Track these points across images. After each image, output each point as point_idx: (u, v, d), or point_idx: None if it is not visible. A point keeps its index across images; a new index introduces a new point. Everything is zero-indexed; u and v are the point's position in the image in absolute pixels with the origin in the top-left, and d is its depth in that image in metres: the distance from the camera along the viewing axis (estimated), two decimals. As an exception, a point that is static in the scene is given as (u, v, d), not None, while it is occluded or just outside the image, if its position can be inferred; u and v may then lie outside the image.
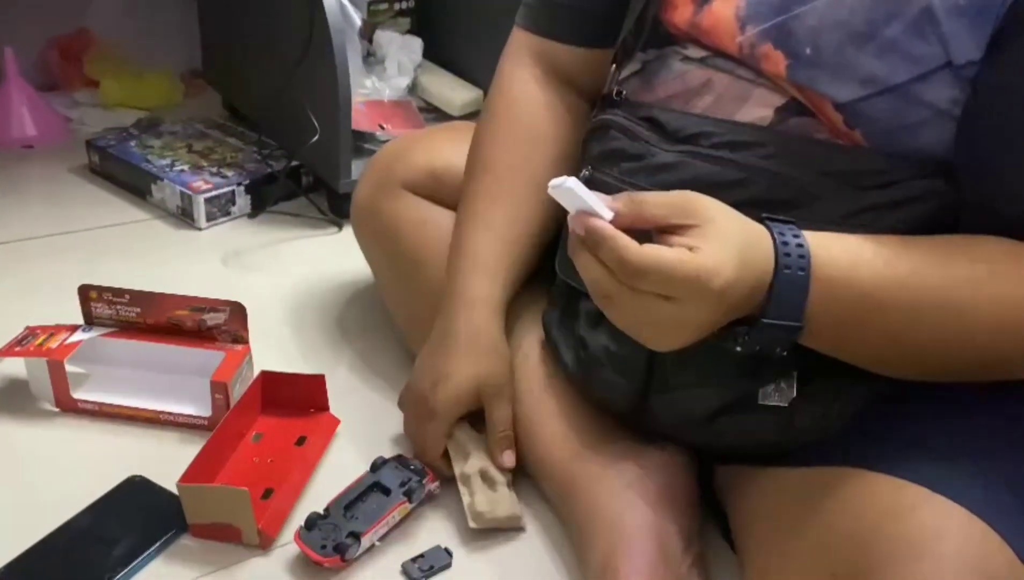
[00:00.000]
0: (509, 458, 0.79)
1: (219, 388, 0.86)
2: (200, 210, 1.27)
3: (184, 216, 1.29)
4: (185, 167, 1.33)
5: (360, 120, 1.33)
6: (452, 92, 1.46)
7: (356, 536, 0.73)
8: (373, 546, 0.75)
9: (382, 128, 1.36)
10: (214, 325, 0.91)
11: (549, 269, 0.84)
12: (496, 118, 0.85)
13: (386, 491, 0.78)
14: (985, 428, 0.65)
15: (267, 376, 0.88)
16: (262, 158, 1.36)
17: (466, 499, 0.78)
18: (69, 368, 0.88)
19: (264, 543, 0.75)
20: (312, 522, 0.74)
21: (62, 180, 1.39)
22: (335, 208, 1.32)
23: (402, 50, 1.47)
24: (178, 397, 0.89)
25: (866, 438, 0.66)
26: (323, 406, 0.89)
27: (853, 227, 0.63)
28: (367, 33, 1.48)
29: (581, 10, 0.81)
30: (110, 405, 0.89)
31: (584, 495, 0.74)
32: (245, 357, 0.90)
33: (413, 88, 1.48)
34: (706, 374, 0.67)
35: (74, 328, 0.92)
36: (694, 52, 0.71)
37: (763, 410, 0.67)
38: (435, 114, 1.47)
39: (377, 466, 0.80)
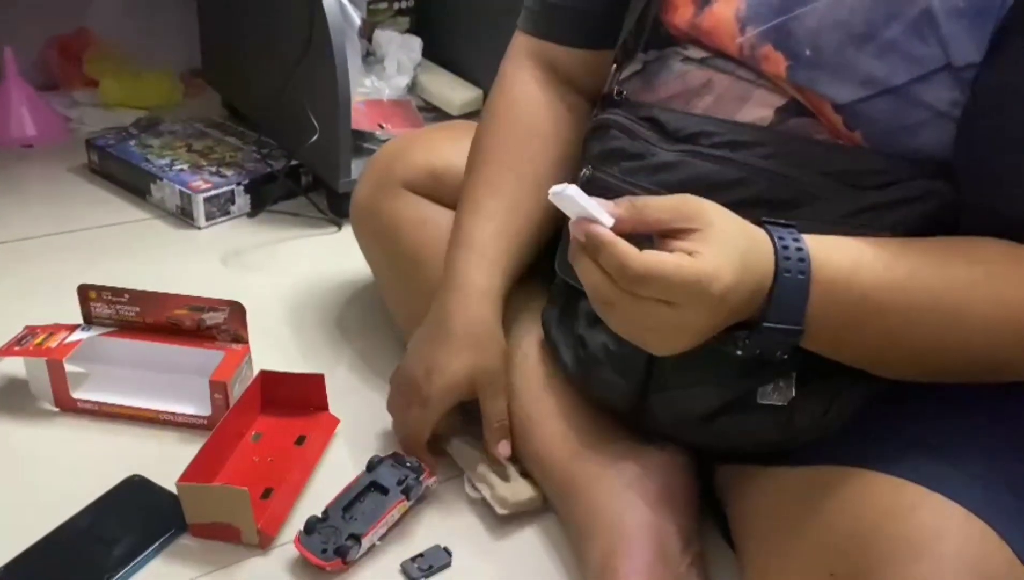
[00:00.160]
0: (504, 447, 0.79)
1: (218, 388, 0.86)
2: (199, 209, 1.27)
3: (183, 215, 1.29)
4: (184, 166, 1.33)
5: (360, 119, 1.33)
6: (451, 91, 1.46)
7: (356, 538, 0.73)
8: (374, 546, 0.75)
9: (381, 127, 1.36)
10: (213, 324, 0.91)
11: (548, 268, 0.84)
12: (497, 117, 0.85)
13: (383, 490, 0.78)
14: (984, 428, 0.65)
15: (266, 376, 0.88)
16: (261, 157, 1.36)
17: (487, 492, 0.79)
18: (68, 368, 0.88)
19: (263, 543, 0.75)
20: (311, 526, 0.74)
21: (61, 180, 1.39)
22: (335, 207, 1.32)
23: (401, 49, 1.47)
24: (177, 397, 0.89)
25: (865, 438, 0.66)
26: (323, 406, 0.89)
27: (853, 227, 0.63)
28: (366, 32, 1.48)
29: (581, 12, 0.81)
30: (109, 405, 0.89)
31: (583, 495, 0.74)
32: (244, 357, 0.90)
33: (412, 87, 1.48)
34: (705, 373, 0.67)
35: (73, 327, 0.92)
36: (695, 53, 0.71)
37: (762, 410, 0.67)
38: (434, 113, 1.47)
39: (373, 465, 0.80)
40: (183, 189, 1.27)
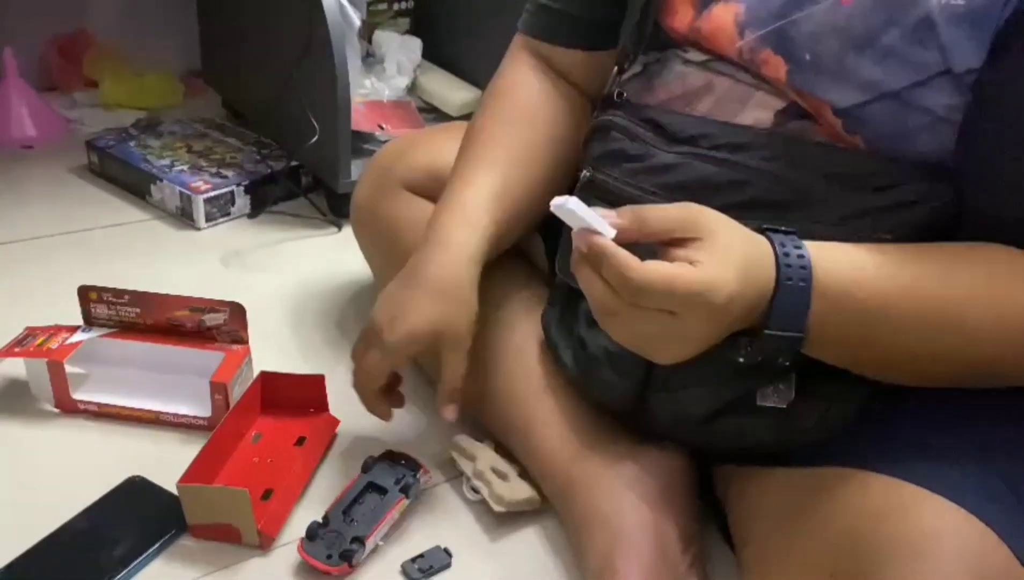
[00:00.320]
0: (451, 412, 0.76)
1: (219, 389, 0.86)
2: (199, 210, 1.27)
3: (184, 216, 1.29)
4: (185, 167, 1.33)
5: (359, 120, 1.33)
6: (451, 92, 1.46)
7: (360, 540, 0.73)
8: (377, 547, 0.75)
9: (381, 128, 1.36)
10: (214, 325, 0.92)
11: (548, 268, 0.84)
12: (493, 98, 0.85)
13: (382, 491, 0.78)
14: (983, 428, 0.65)
15: (267, 376, 0.89)
16: (261, 158, 1.37)
17: (485, 490, 0.79)
18: (69, 369, 0.88)
19: (264, 543, 0.75)
20: (313, 532, 0.74)
21: (62, 180, 1.39)
22: (335, 208, 1.32)
23: (401, 50, 1.47)
24: (178, 398, 0.89)
25: (865, 438, 0.66)
26: (323, 406, 0.89)
27: (853, 229, 0.63)
28: (366, 33, 1.48)
29: (580, 14, 0.81)
30: (110, 406, 0.89)
31: (583, 495, 0.74)
32: (245, 357, 0.90)
33: (412, 88, 1.49)
34: (705, 375, 0.68)
35: (74, 329, 0.92)
36: (695, 56, 0.71)
37: (762, 411, 0.67)
38: (434, 114, 1.47)
39: (368, 466, 0.80)
40: (183, 190, 1.27)
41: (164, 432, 0.88)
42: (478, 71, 1.44)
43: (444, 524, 0.80)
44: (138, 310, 0.92)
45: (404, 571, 0.74)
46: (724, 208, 0.61)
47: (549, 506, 0.80)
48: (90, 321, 0.94)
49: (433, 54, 1.52)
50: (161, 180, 1.30)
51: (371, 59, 1.49)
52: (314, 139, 1.24)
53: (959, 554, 0.55)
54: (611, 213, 0.57)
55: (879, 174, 0.64)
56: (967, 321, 0.60)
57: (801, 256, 0.58)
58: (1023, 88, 0.59)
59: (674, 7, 0.71)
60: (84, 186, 1.37)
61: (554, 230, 0.82)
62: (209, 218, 1.28)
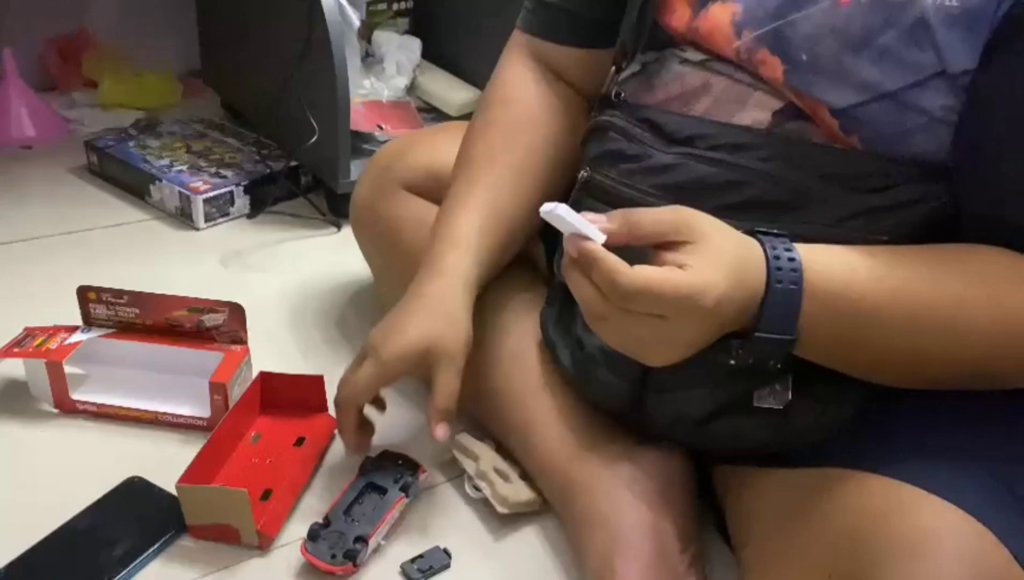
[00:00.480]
0: (442, 430, 0.75)
1: (218, 389, 0.86)
2: (199, 211, 1.27)
3: (183, 217, 1.29)
4: (184, 167, 1.33)
5: (359, 120, 1.33)
6: (451, 92, 1.46)
7: (363, 539, 0.73)
8: (379, 546, 0.75)
9: (381, 128, 1.36)
10: (213, 326, 0.92)
11: (547, 269, 0.84)
12: (490, 107, 0.85)
13: (381, 490, 0.78)
14: (980, 429, 0.65)
15: (266, 377, 0.89)
16: (261, 158, 1.37)
17: (488, 490, 0.79)
18: (68, 369, 0.88)
19: (263, 544, 0.75)
20: (315, 533, 0.74)
21: (61, 180, 1.39)
22: (334, 208, 1.32)
23: (401, 50, 1.47)
24: (177, 398, 0.89)
25: (863, 439, 0.66)
26: (322, 407, 0.89)
27: (850, 230, 0.63)
28: (366, 33, 1.48)
29: (579, 12, 0.81)
30: (109, 406, 0.89)
31: (582, 495, 0.74)
32: (244, 358, 0.90)
33: (412, 88, 1.49)
34: (702, 376, 0.68)
35: (73, 329, 0.92)
36: (693, 55, 0.71)
37: (759, 412, 0.67)
38: (434, 114, 1.47)
39: (367, 468, 0.80)
40: (182, 190, 1.27)
41: (163, 432, 0.88)
42: (477, 71, 1.44)
43: (444, 524, 0.80)
44: (137, 310, 0.92)
45: (404, 572, 0.74)
46: (721, 209, 0.61)
47: (549, 506, 0.81)
48: (89, 321, 0.94)
49: (432, 54, 1.52)
50: (160, 180, 1.30)
51: (370, 59, 1.49)
52: (313, 139, 1.24)
53: (958, 554, 0.55)
54: (601, 217, 0.58)
55: (876, 175, 0.64)
56: (960, 323, 0.60)
57: (792, 259, 0.59)
58: (1016, 89, 0.59)
59: (672, 6, 0.71)
60: (83, 186, 1.37)
61: (554, 231, 0.82)
62: (208, 218, 1.28)
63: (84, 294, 0.92)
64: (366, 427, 0.82)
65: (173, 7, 1.67)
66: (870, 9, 0.62)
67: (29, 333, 0.91)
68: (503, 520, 0.80)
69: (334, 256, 1.23)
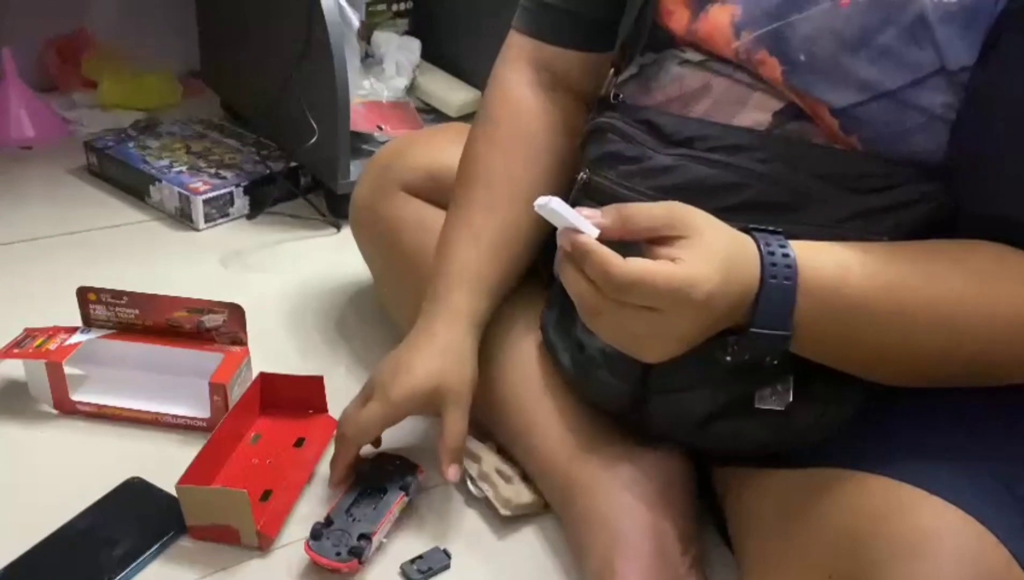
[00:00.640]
0: (453, 472, 0.77)
1: (218, 390, 0.86)
2: (198, 211, 1.27)
3: (182, 217, 1.29)
4: (183, 168, 1.33)
5: (358, 121, 1.33)
6: (450, 93, 1.46)
7: (367, 537, 0.73)
8: (382, 544, 0.75)
9: (380, 129, 1.36)
10: (213, 327, 0.92)
11: (547, 271, 0.84)
12: (490, 124, 0.84)
13: (382, 490, 0.78)
14: (980, 429, 0.65)
15: (266, 377, 0.89)
16: (260, 159, 1.37)
17: (490, 492, 0.80)
18: (68, 370, 0.88)
19: (263, 544, 0.75)
20: (318, 532, 0.74)
21: (60, 181, 1.39)
22: (334, 209, 1.32)
23: (400, 51, 1.48)
24: (177, 399, 0.89)
25: (863, 439, 0.66)
26: (322, 407, 0.89)
27: (850, 230, 0.63)
28: (365, 34, 1.48)
29: (578, 13, 0.81)
30: (109, 407, 0.89)
31: (582, 496, 0.74)
32: (244, 359, 0.90)
33: (411, 89, 1.49)
34: (702, 377, 0.68)
35: (73, 330, 0.92)
36: (692, 56, 0.71)
37: (760, 413, 0.67)
38: (433, 115, 1.47)
39: (364, 470, 0.80)
40: (182, 191, 1.27)
41: (163, 433, 0.88)
42: (477, 72, 1.44)
43: (443, 525, 0.80)
44: (137, 311, 0.92)
45: (403, 572, 0.74)
46: (721, 211, 0.61)
47: (550, 507, 0.81)
48: (89, 322, 0.94)
49: (432, 55, 1.52)
50: (160, 181, 1.30)
51: (370, 60, 1.49)
52: (313, 140, 1.24)
53: (958, 555, 0.55)
54: (595, 212, 0.58)
55: (876, 175, 0.64)
56: (957, 317, 0.60)
57: (786, 254, 0.59)
58: (1013, 85, 0.59)
59: (670, 9, 0.71)
60: (83, 187, 1.37)
61: (553, 234, 0.82)
62: (208, 219, 1.28)
63: (84, 295, 0.92)
64: (356, 463, 0.81)
65: (173, 7, 1.67)
66: (869, 9, 0.62)
67: (29, 334, 0.91)
68: (503, 521, 0.80)
69: (334, 257, 1.23)
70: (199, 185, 1.28)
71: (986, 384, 0.64)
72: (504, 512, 0.79)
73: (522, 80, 0.84)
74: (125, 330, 0.93)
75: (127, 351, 0.92)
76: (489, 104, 0.85)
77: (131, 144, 1.39)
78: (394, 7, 1.55)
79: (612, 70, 0.77)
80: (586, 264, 0.56)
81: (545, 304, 0.83)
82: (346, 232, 1.22)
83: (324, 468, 0.85)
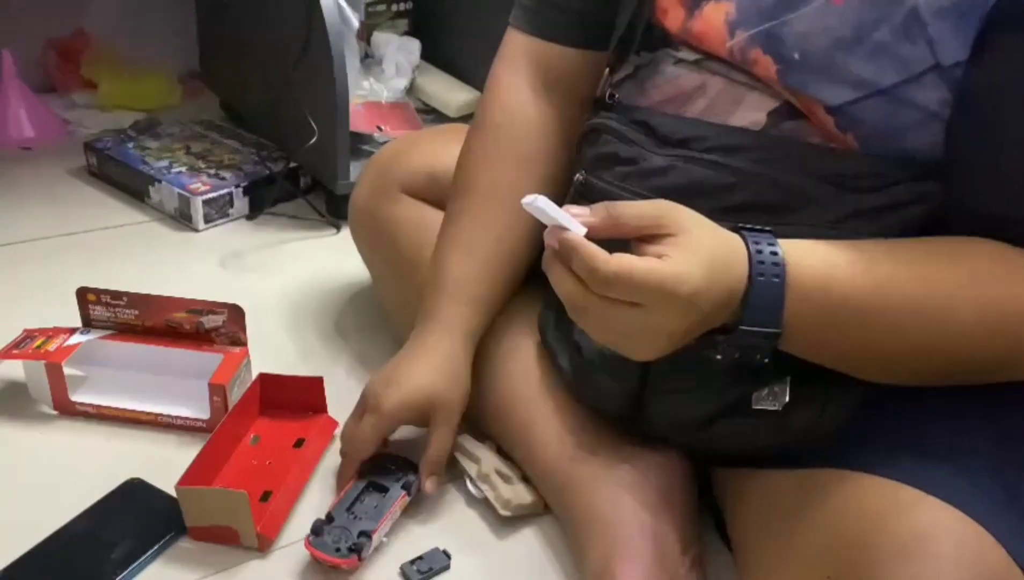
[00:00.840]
0: (431, 485, 0.78)
1: (217, 390, 0.86)
2: (198, 212, 1.27)
3: (182, 218, 1.29)
4: (183, 169, 1.33)
5: (358, 122, 1.33)
6: (450, 93, 1.46)
7: (367, 534, 0.73)
8: (381, 543, 0.75)
9: (380, 129, 1.36)
10: (212, 327, 0.92)
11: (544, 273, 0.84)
12: (487, 130, 0.84)
13: (383, 489, 0.78)
14: (979, 430, 0.66)
15: (265, 378, 0.89)
16: (260, 160, 1.37)
17: (491, 493, 0.80)
18: (67, 371, 0.88)
19: (262, 545, 0.75)
20: (319, 528, 0.74)
21: (60, 182, 1.39)
22: (333, 210, 1.32)
23: (400, 51, 1.48)
24: (176, 399, 0.89)
25: (861, 440, 0.66)
26: (321, 408, 0.89)
27: (846, 231, 0.63)
28: (365, 34, 1.48)
29: (576, 11, 0.81)
30: (108, 408, 0.89)
31: (582, 497, 0.75)
32: (243, 359, 0.90)
33: (411, 89, 1.49)
34: (700, 379, 0.68)
35: (72, 330, 0.92)
36: (687, 55, 0.71)
37: (757, 414, 0.67)
38: (433, 115, 1.47)
39: (364, 471, 0.80)
40: (182, 191, 1.27)
41: (163, 434, 0.88)
42: (477, 72, 1.44)
43: (443, 525, 0.80)
44: (136, 312, 0.92)
45: (403, 573, 0.75)
46: (717, 211, 0.62)
47: (548, 508, 0.81)
48: (89, 323, 0.94)
49: (431, 55, 1.52)
50: (159, 182, 1.30)
51: (369, 60, 1.49)
52: (313, 140, 1.24)
53: (955, 555, 0.55)
54: (584, 210, 0.58)
55: (872, 175, 0.64)
56: (949, 314, 0.60)
57: (774, 252, 0.59)
58: (1007, 80, 0.59)
59: (665, 7, 0.71)
60: (82, 188, 1.37)
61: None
62: (208, 220, 1.28)
63: (83, 296, 0.92)
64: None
65: (172, 8, 1.67)
66: (863, 6, 0.62)
67: (28, 335, 0.91)
68: (503, 522, 0.80)
69: (333, 257, 1.23)
70: (199, 186, 1.29)
71: (980, 382, 0.64)
72: (504, 513, 0.79)
73: (519, 82, 0.84)
74: (125, 331, 0.93)
75: (127, 352, 0.92)
76: (486, 110, 0.85)
77: (131, 145, 1.39)
78: (394, 7, 1.55)
79: (608, 70, 0.77)
80: (573, 261, 0.56)
81: (543, 305, 0.83)
82: (345, 233, 1.22)
83: (324, 469, 0.85)
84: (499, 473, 0.81)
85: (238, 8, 1.44)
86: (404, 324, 0.95)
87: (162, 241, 1.25)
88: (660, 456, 0.76)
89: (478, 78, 1.44)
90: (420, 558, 0.75)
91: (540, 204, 0.56)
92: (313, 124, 1.24)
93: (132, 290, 0.92)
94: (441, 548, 0.77)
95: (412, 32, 1.55)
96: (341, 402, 0.90)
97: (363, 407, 0.79)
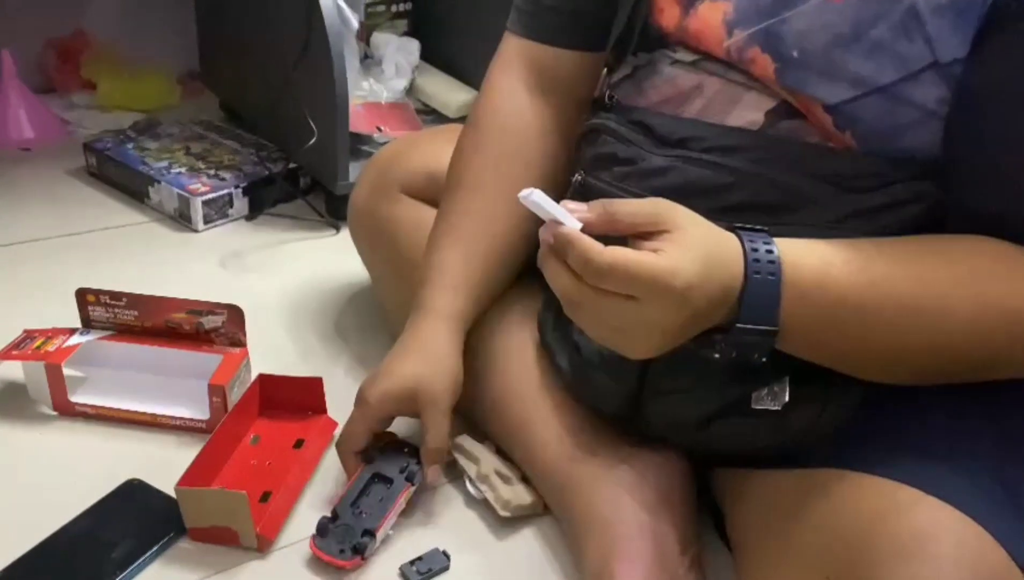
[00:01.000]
0: (433, 474, 0.78)
1: (217, 391, 0.86)
2: (198, 212, 1.27)
3: (182, 219, 1.29)
4: (183, 169, 1.33)
5: (358, 122, 1.33)
6: (449, 94, 1.46)
7: (371, 533, 0.74)
8: (388, 536, 0.76)
9: (379, 130, 1.36)
10: (212, 328, 0.92)
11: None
12: (480, 128, 0.84)
13: (387, 480, 0.78)
14: (978, 429, 0.66)
15: (265, 379, 0.89)
16: (260, 160, 1.37)
17: (490, 494, 0.80)
18: (67, 371, 0.88)
19: (262, 546, 0.75)
20: (324, 528, 0.74)
21: (59, 182, 1.39)
22: (333, 210, 1.32)
23: (399, 52, 1.48)
24: (176, 400, 0.89)
25: (860, 440, 0.66)
26: (321, 408, 0.89)
27: (844, 230, 0.63)
28: (364, 35, 1.48)
29: (572, 13, 0.81)
30: (108, 408, 0.89)
31: (581, 497, 0.75)
32: (243, 360, 0.90)
33: (410, 90, 1.49)
34: (699, 379, 0.68)
35: (72, 331, 0.92)
36: (684, 55, 0.71)
37: (757, 414, 0.67)
38: (432, 116, 1.47)
39: (372, 457, 0.80)
40: (181, 192, 1.27)
41: (162, 435, 0.88)
42: (476, 72, 1.42)
43: (443, 526, 0.80)
44: (136, 313, 0.92)
45: (403, 573, 0.75)
46: (716, 211, 0.62)
47: (548, 509, 0.81)
48: (88, 324, 0.94)
49: (431, 56, 1.52)
50: (159, 182, 1.30)
51: (369, 61, 1.49)
52: (312, 141, 1.24)
53: (955, 555, 0.55)
54: (581, 206, 0.58)
55: (870, 174, 0.64)
56: (947, 311, 0.60)
57: (770, 251, 0.59)
58: (1006, 77, 0.59)
59: (661, 6, 0.71)
60: (82, 188, 1.37)
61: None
62: (207, 220, 1.28)
63: (83, 296, 0.92)
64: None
65: (172, 8, 1.67)
66: (861, 3, 0.62)
67: (28, 335, 0.91)
68: (502, 522, 0.80)
69: (333, 258, 1.23)
70: (198, 186, 1.28)
71: (977, 379, 0.64)
72: (503, 513, 0.79)
73: (514, 83, 0.84)
74: (124, 331, 0.93)
75: (126, 352, 0.92)
76: (479, 110, 0.86)
77: (130, 145, 1.39)
78: (393, 8, 1.55)
79: (606, 71, 0.77)
80: (568, 254, 0.57)
81: (542, 305, 0.83)
82: (345, 233, 1.22)
83: (323, 470, 0.85)
84: (498, 474, 0.81)
85: (238, 8, 1.44)
86: (403, 324, 0.95)
87: (162, 242, 1.25)
88: (659, 456, 0.76)
89: (478, 78, 1.43)
90: (420, 558, 0.75)
91: (536, 198, 0.56)
92: (313, 125, 1.24)
93: (132, 291, 0.92)
94: (441, 549, 0.77)
95: (412, 32, 1.55)
96: (341, 402, 0.90)
97: (355, 402, 0.79)
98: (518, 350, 0.83)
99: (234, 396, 0.87)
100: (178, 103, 1.67)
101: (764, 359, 0.61)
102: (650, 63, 0.73)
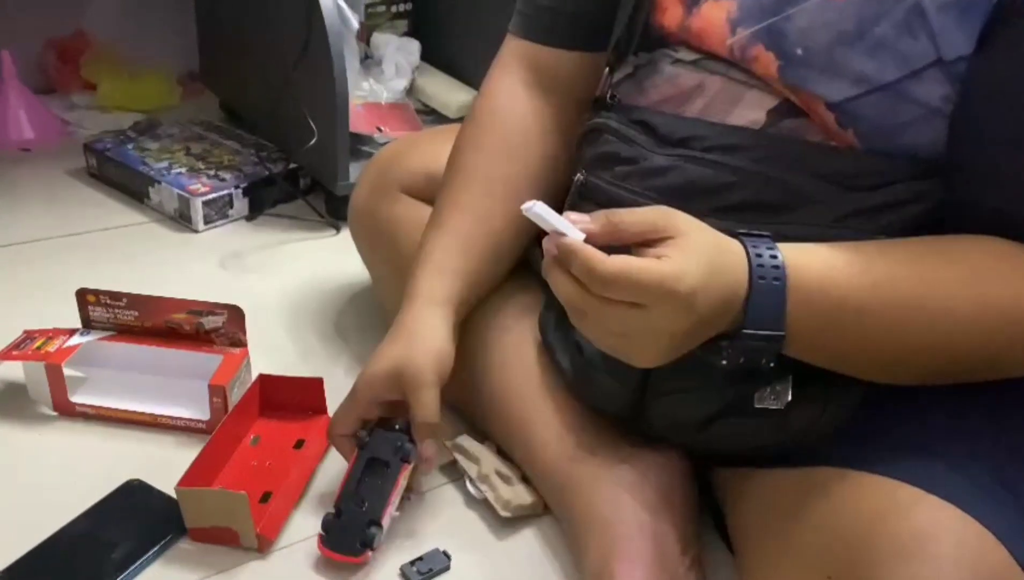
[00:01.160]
0: (427, 448, 0.76)
1: (217, 391, 0.86)
2: (198, 213, 1.27)
3: (182, 219, 1.29)
4: (183, 170, 1.33)
5: (358, 122, 1.33)
6: (449, 94, 1.46)
7: (376, 523, 0.73)
8: (393, 519, 0.76)
9: (380, 130, 1.36)
10: (212, 328, 0.92)
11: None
12: (478, 124, 0.85)
13: (384, 463, 0.77)
14: (979, 429, 0.66)
15: (265, 379, 0.89)
16: (260, 161, 1.37)
17: (490, 494, 0.79)
18: (67, 372, 0.88)
19: (262, 546, 0.75)
20: (329, 526, 0.74)
21: (59, 183, 1.39)
22: (333, 210, 1.32)
23: (399, 52, 1.48)
24: (176, 401, 0.89)
25: (861, 439, 0.66)
26: (321, 409, 0.89)
27: (846, 229, 0.63)
28: (364, 35, 1.48)
29: (573, 13, 0.81)
30: (108, 409, 0.89)
31: (581, 497, 0.74)
32: (243, 360, 0.90)
33: (410, 90, 1.49)
34: (702, 379, 0.68)
35: (72, 332, 0.92)
36: (685, 55, 0.71)
37: (759, 414, 0.67)
38: (433, 116, 1.47)
39: (364, 441, 0.78)
40: (181, 192, 1.27)
41: (162, 435, 0.88)
42: (476, 73, 1.43)
43: (443, 526, 0.80)
44: (136, 313, 0.92)
45: (403, 574, 0.74)
46: (717, 211, 0.62)
47: (548, 509, 0.81)
48: (88, 324, 0.93)
49: (431, 56, 1.52)
50: (159, 183, 1.30)
51: (369, 61, 1.49)
52: (312, 141, 1.24)
53: (956, 555, 0.55)
54: (584, 217, 0.58)
55: (873, 173, 0.64)
56: (950, 312, 0.60)
57: (774, 256, 0.59)
58: (1011, 74, 0.59)
59: (664, 5, 0.71)
60: (82, 189, 1.37)
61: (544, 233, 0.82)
62: (207, 220, 1.28)
63: (83, 297, 0.92)
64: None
65: (172, 8, 1.67)
66: (864, 1, 0.62)
67: (28, 336, 0.91)
68: (503, 522, 0.80)
69: (333, 258, 1.23)
70: (198, 187, 1.28)
71: (980, 379, 0.64)
72: (504, 513, 0.79)
73: (514, 83, 0.84)
74: (124, 332, 0.93)
75: (126, 353, 0.92)
76: (477, 109, 0.86)
77: (130, 146, 1.39)
78: (393, 8, 1.55)
79: (607, 70, 0.77)
80: (572, 264, 0.57)
81: (543, 305, 0.83)
82: (345, 234, 1.22)
83: (324, 470, 0.85)
84: (499, 474, 0.81)
85: (238, 9, 1.44)
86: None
87: (162, 242, 1.25)
88: (660, 456, 0.76)
89: (478, 79, 1.43)
90: (420, 559, 0.75)
91: (538, 210, 0.56)
92: (313, 125, 1.24)
93: (132, 291, 0.92)
94: (441, 549, 0.77)
95: (412, 33, 1.55)
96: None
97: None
98: (518, 350, 0.83)
99: (234, 396, 0.87)
100: (178, 103, 1.67)
101: (772, 365, 0.61)
102: (651, 62, 0.73)
